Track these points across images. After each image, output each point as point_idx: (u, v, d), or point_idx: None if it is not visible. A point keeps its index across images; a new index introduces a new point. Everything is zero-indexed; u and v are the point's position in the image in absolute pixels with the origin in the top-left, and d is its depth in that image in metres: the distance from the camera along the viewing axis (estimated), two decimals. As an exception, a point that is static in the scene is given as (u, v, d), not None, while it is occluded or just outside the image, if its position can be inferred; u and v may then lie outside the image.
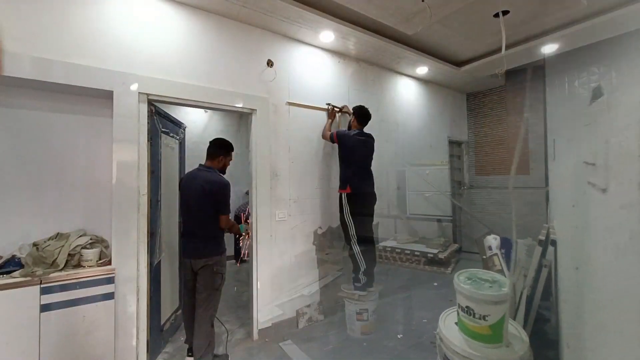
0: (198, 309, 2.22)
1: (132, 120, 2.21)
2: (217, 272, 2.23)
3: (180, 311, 2.85)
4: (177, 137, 3.04)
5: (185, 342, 2.43)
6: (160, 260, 2.51)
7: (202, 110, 5.53)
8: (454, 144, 4.96)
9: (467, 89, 4.97)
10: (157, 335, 2.43)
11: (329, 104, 3.29)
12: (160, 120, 2.59)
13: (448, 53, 3.90)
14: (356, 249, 2.79)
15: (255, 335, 2.72)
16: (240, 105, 2.73)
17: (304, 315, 3.00)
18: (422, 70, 4.05)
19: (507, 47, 3.52)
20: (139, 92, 2.24)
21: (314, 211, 3.19)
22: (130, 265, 2.15)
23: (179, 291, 2.90)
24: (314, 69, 3.28)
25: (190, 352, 2.33)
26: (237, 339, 2.74)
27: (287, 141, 3.04)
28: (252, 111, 2.83)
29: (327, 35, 3.05)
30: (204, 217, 2.21)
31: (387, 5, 2.71)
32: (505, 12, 2.97)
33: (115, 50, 2.19)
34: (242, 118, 5.90)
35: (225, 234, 2.37)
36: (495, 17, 3.03)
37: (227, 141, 2.42)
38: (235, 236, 4.63)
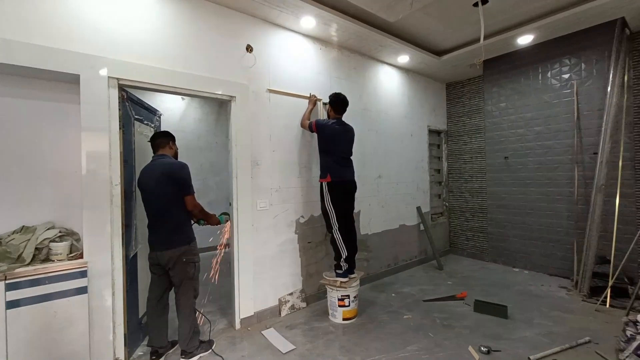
0: (178, 300, 2.20)
1: (102, 107, 2.09)
2: (188, 261, 2.18)
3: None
4: (152, 125, 2.92)
5: (147, 345, 2.30)
6: (136, 253, 2.44)
7: (179, 98, 5.32)
8: (433, 132, 5.05)
9: (446, 79, 5.02)
10: (135, 328, 2.37)
11: (312, 95, 3.25)
12: (133, 107, 2.47)
13: (429, 42, 3.91)
14: (337, 236, 2.81)
15: (238, 325, 2.72)
16: (219, 93, 2.65)
17: (286, 304, 3.02)
18: (404, 59, 4.05)
19: (486, 37, 3.56)
20: (109, 77, 2.11)
21: (296, 200, 3.17)
22: (104, 259, 2.07)
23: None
24: (296, 56, 3.21)
25: (154, 355, 2.22)
26: (219, 329, 2.73)
27: (269, 129, 2.98)
28: (232, 98, 2.74)
29: (309, 20, 2.98)
30: (167, 203, 2.14)
31: (368, -9, 2.67)
32: (484, 2, 2.99)
33: (82, 31, 2.04)
34: (221, 106, 5.74)
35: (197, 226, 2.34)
36: (475, 6, 3.06)
37: (169, 131, 2.42)
38: None
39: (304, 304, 3.16)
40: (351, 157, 2.99)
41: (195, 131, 5.58)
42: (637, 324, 2.17)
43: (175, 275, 2.17)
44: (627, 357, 2.13)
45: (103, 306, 2.06)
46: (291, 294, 3.08)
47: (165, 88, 2.39)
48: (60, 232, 2.02)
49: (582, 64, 3.66)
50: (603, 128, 3.37)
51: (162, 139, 2.34)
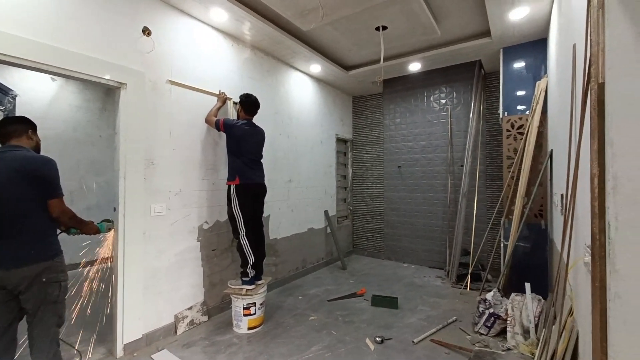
0: (32, 331, 1.71)
1: None
2: (50, 281, 1.72)
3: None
4: (2, 108, 2.26)
5: None
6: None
7: (48, 78, 4.29)
8: (341, 141, 5.41)
9: (353, 92, 5.47)
10: (-41, 377, 1.75)
11: (222, 93, 3.07)
12: (-31, 81, 1.86)
13: (339, 56, 4.19)
14: (245, 242, 2.70)
15: (120, 352, 2.31)
16: (107, 77, 2.24)
17: (184, 320, 2.73)
18: (316, 68, 4.23)
19: (385, 59, 4.02)
20: None
21: (200, 204, 2.92)
22: None
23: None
24: (205, 49, 2.97)
25: None
26: (95, 360, 2.27)
27: (169, 125, 2.67)
28: (122, 85, 2.35)
29: (219, 13, 2.81)
30: (21, 208, 1.66)
31: (282, -4, 2.69)
32: (384, 27, 3.38)
33: None
34: (108, 94, 4.87)
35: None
36: (377, 30, 3.42)
37: (27, 117, 1.88)
38: None
39: (205, 318, 2.91)
40: (261, 160, 2.93)
41: (71, 121, 4.58)
42: (486, 301, 2.74)
43: (29, 299, 1.68)
44: (479, 328, 2.67)
45: None
46: (190, 308, 2.80)
47: (22, 62, 1.88)
48: None
49: (454, 93, 4.50)
50: (466, 146, 4.21)
51: (17, 126, 1.80)
